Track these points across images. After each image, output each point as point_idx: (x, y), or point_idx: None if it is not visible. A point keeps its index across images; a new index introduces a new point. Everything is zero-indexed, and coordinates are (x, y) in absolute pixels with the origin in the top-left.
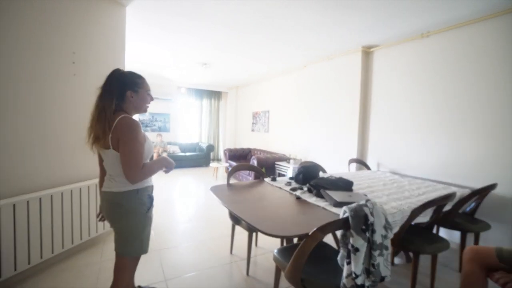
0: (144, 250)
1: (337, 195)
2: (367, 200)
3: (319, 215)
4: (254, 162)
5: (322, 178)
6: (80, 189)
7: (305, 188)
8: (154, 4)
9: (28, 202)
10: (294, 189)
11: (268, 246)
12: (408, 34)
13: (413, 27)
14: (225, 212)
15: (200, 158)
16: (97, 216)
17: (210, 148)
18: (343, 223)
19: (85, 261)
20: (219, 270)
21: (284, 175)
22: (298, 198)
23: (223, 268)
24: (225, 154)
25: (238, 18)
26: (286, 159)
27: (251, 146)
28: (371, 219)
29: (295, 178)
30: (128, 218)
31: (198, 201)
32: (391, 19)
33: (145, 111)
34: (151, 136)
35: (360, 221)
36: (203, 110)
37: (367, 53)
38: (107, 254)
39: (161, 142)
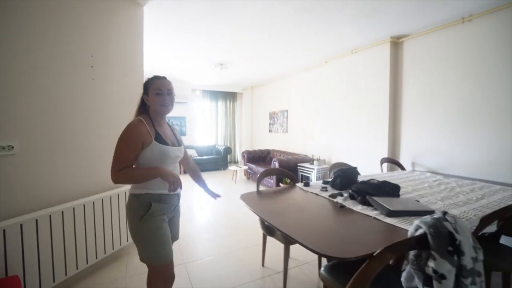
0: (153, 260)
1: (388, 203)
2: (445, 213)
3: (373, 228)
4: (275, 164)
5: (364, 182)
6: (102, 199)
7: (346, 194)
8: (171, 4)
9: (50, 216)
10: (333, 196)
11: (301, 257)
12: (445, 20)
13: (453, 12)
14: (251, 219)
15: (217, 161)
16: None
17: (228, 150)
18: (417, 242)
19: (111, 277)
20: (253, 286)
21: (307, 177)
22: (341, 206)
23: (256, 283)
24: (243, 156)
25: (259, 18)
26: (309, 160)
27: (270, 147)
28: (458, 237)
29: (331, 183)
30: (128, 222)
31: (220, 207)
32: (428, 4)
33: (163, 111)
34: None
35: (445, 240)
36: (219, 112)
37: (396, 44)
38: (132, 269)
39: None
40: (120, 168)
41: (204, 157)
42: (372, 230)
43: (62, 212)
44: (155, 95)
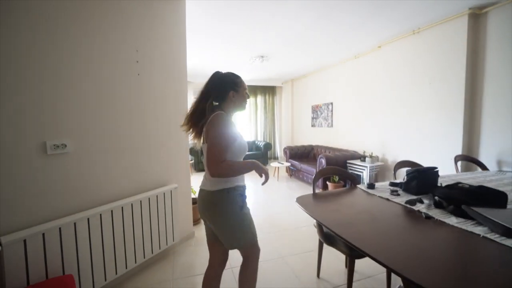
0: (254, 239)
1: (498, 216)
2: None
3: (486, 252)
4: (322, 162)
5: (451, 187)
6: (149, 198)
7: (427, 201)
8: None
9: (100, 215)
10: (411, 203)
11: (362, 269)
12: None
13: None
14: (300, 221)
15: (257, 158)
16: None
17: (268, 146)
18: None
19: (157, 278)
20: None
21: (358, 176)
22: (428, 217)
23: None
24: (285, 152)
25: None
26: (360, 157)
27: (313, 143)
28: None
29: (404, 185)
30: (224, 217)
31: (265, 206)
32: None
33: (244, 108)
34: None
35: None
36: (258, 107)
37: (476, 16)
38: (178, 271)
39: None
40: (222, 160)
41: None
42: (485, 256)
43: (112, 211)
44: (245, 93)
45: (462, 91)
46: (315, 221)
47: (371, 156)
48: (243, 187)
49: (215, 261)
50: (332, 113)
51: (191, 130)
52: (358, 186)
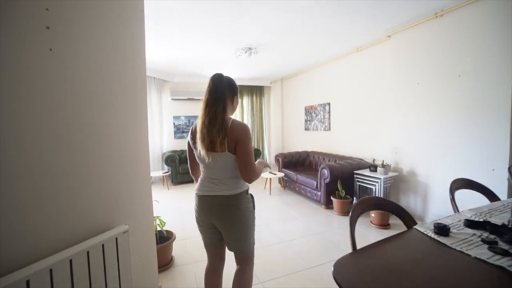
0: (254, 244)
1: None
2: None
3: None
4: (325, 173)
5: None
6: (71, 261)
7: None
8: None
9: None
10: None
11: None
12: None
13: None
14: (316, 258)
15: None
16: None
17: (257, 153)
18: None
19: None
20: None
21: (369, 190)
22: None
23: None
24: (277, 160)
25: None
26: (369, 167)
27: (308, 149)
28: None
29: (497, 231)
30: (244, 218)
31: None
32: None
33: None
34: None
35: None
36: (244, 108)
37: None
38: None
39: None
40: (255, 167)
41: None
42: None
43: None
44: (238, 98)
45: (509, 85)
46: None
47: (383, 166)
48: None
49: (215, 258)
50: (329, 115)
51: (207, 137)
52: (417, 227)
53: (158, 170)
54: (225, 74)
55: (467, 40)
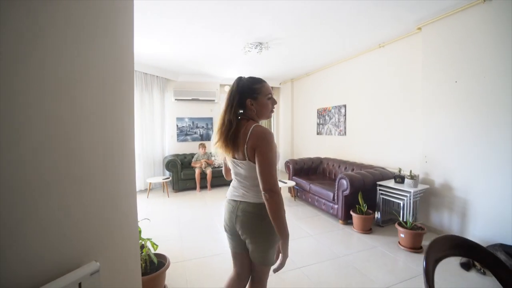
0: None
1: None
2: None
3: None
4: (344, 183)
5: None
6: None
7: None
8: None
9: None
10: None
11: None
12: None
13: None
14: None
15: None
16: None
17: None
18: None
19: None
20: None
21: (396, 205)
22: None
23: None
24: (287, 167)
25: None
26: (395, 177)
27: (320, 155)
28: None
29: None
30: (269, 229)
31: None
32: None
33: (268, 117)
34: (192, 147)
35: None
36: None
37: None
38: None
39: (204, 154)
40: (276, 176)
41: None
42: None
43: None
44: (266, 100)
45: None
46: None
47: (412, 177)
48: None
49: (243, 273)
50: (345, 118)
51: (223, 144)
52: None
53: (158, 176)
54: (232, 73)
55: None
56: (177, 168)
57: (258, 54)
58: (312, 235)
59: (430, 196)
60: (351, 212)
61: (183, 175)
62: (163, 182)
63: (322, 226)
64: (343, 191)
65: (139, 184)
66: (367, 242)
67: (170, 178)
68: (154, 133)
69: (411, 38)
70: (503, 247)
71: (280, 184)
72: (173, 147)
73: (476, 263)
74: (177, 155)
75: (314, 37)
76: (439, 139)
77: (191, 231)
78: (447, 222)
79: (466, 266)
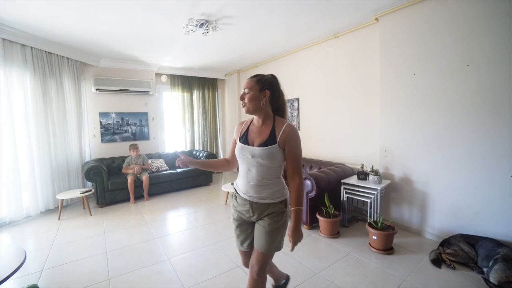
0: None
1: None
2: None
3: None
4: (308, 184)
5: None
6: None
7: None
8: None
9: None
10: None
11: None
12: None
13: None
14: None
15: (197, 175)
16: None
17: (211, 158)
18: None
19: None
20: None
21: (364, 202)
22: None
23: None
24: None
25: None
26: (358, 174)
27: None
28: None
29: None
30: (283, 221)
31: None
32: None
33: (245, 112)
34: (123, 148)
35: None
36: (195, 105)
37: None
38: None
39: (138, 157)
40: None
41: (179, 170)
42: None
43: None
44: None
45: None
46: None
47: (376, 172)
48: None
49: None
50: (298, 112)
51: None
52: None
53: (74, 189)
54: (171, 61)
55: (482, 21)
56: (102, 176)
57: (204, 36)
58: None
59: (390, 191)
60: (318, 216)
61: (111, 184)
62: (83, 197)
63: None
64: (307, 193)
65: (45, 202)
66: (338, 248)
67: (93, 190)
68: (67, 133)
69: (368, 29)
70: (464, 237)
71: (230, 188)
72: (97, 149)
73: (446, 258)
74: (102, 160)
75: (268, 21)
76: (398, 132)
77: (126, 266)
78: (407, 216)
79: (437, 263)
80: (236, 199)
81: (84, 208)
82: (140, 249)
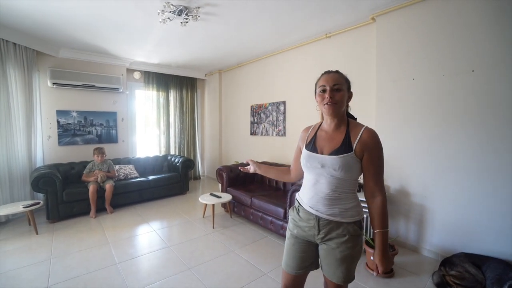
0: None
1: None
2: None
3: None
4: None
5: None
6: None
7: None
8: None
9: None
10: None
11: None
12: None
13: None
14: None
15: (172, 183)
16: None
17: (188, 164)
18: None
19: None
20: None
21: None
22: None
23: None
24: (220, 176)
25: None
26: None
27: (256, 159)
28: None
29: None
30: (360, 248)
31: None
32: None
33: (326, 113)
34: (85, 152)
35: None
36: (171, 106)
37: None
38: None
39: (102, 163)
40: None
41: (151, 178)
42: None
43: None
44: (320, 92)
45: None
46: None
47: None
48: None
49: None
50: (284, 117)
51: None
52: None
53: (18, 202)
54: (144, 56)
55: (489, 23)
56: (55, 185)
57: (182, 27)
58: (265, 272)
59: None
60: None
61: (66, 195)
62: (27, 212)
63: (275, 254)
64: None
65: None
66: None
67: (42, 203)
68: (12, 133)
69: (364, 29)
70: (468, 257)
71: (214, 200)
72: (53, 153)
73: (450, 281)
74: (58, 166)
75: (256, 15)
76: (393, 142)
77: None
78: (404, 231)
79: (442, 287)
80: (298, 213)
81: (30, 225)
82: (94, 279)
